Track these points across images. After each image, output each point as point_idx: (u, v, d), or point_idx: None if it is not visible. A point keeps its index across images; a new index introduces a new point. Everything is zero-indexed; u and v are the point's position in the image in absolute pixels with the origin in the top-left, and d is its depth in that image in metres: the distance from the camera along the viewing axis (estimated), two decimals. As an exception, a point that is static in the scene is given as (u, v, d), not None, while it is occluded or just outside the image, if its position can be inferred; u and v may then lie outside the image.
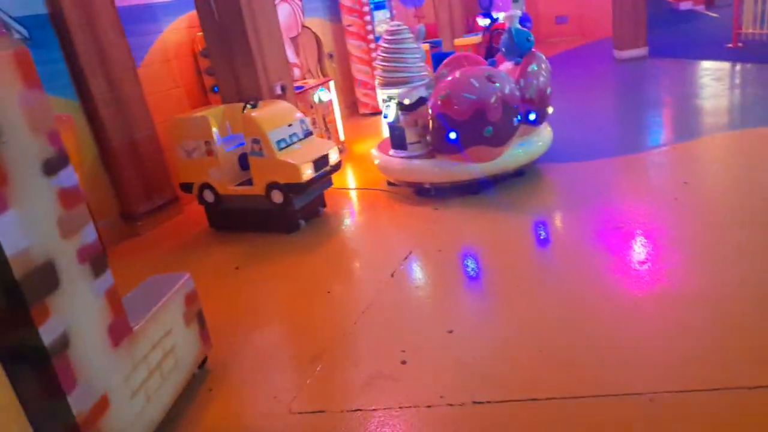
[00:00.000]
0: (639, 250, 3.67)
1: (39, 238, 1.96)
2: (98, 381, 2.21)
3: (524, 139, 5.15)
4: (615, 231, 3.96)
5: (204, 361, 3.16)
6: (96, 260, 2.26)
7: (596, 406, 2.43)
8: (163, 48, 6.10)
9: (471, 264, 3.98)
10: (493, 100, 4.65)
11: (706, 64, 8.86)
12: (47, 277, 1.99)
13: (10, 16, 4.52)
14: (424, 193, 5.28)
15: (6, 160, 1.84)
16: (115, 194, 5.44)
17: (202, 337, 3.07)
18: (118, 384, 2.33)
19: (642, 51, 10.18)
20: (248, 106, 4.75)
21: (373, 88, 9.03)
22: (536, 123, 5.19)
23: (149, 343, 2.58)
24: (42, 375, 2.03)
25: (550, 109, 5.31)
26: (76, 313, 2.12)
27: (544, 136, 5.34)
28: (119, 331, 2.37)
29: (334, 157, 4.96)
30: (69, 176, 2.14)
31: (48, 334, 1.97)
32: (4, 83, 1.91)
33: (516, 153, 5.05)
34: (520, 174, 5.25)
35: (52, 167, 2.05)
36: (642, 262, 3.50)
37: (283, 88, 5.46)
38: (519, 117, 4.95)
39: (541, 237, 4.24)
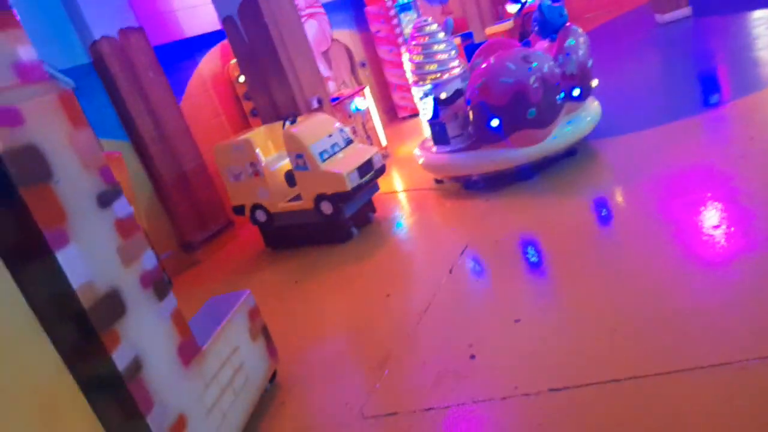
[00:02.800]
0: (709, 214, 3.44)
1: (101, 268, 2.03)
2: (173, 401, 2.26)
3: (571, 116, 4.97)
4: (680, 198, 3.73)
5: (274, 376, 3.18)
6: (158, 285, 2.32)
7: (681, 380, 2.27)
8: (200, 80, 6.30)
9: (530, 251, 3.85)
10: (532, 80, 4.51)
11: (758, 14, 8.31)
12: (113, 304, 2.06)
13: (57, 69, 4.78)
14: (472, 186, 5.18)
15: (62, 197, 1.92)
16: (172, 226, 5.64)
17: (269, 352, 3.10)
18: (192, 403, 2.37)
19: (685, 11, 9.66)
20: (287, 122, 4.81)
21: (409, 91, 9.03)
22: (581, 98, 4.99)
23: (218, 361, 2.62)
24: (120, 399, 2.10)
25: (595, 82, 5.10)
26: (145, 337, 2.18)
27: (591, 111, 5.12)
28: (188, 352, 2.42)
29: (377, 161, 4.95)
30: (123, 207, 2.21)
31: (121, 359, 2.03)
32: (52, 125, 1.99)
33: (564, 132, 4.87)
34: (572, 153, 5.05)
35: (106, 200, 2.12)
36: (715, 227, 3.28)
37: (319, 102, 5.51)
38: (562, 94, 4.78)
39: (602, 215, 4.06)
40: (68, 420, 2.00)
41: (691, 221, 3.43)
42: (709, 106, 5.39)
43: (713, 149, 4.40)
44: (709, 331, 2.48)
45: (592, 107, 5.18)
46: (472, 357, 2.85)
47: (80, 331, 1.99)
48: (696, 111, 5.34)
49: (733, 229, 3.19)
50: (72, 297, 1.90)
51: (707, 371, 2.26)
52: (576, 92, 4.88)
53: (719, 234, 3.18)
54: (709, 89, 6.03)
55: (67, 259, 1.90)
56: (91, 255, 2.00)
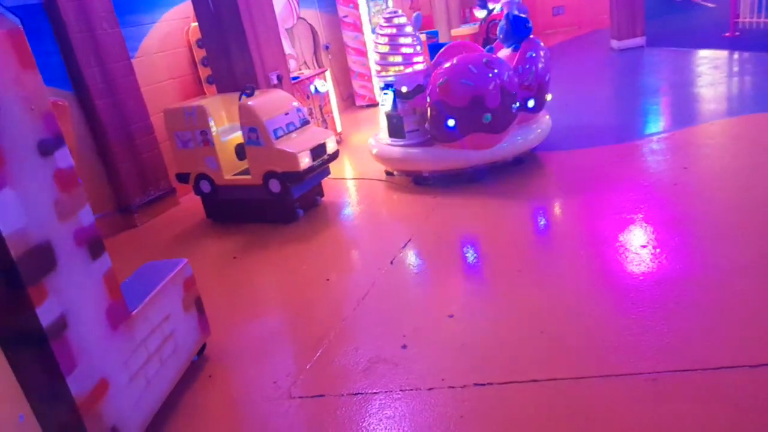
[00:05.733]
0: (639, 234, 3.66)
1: (36, 218, 1.94)
2: (97, 364, 2.19)
3: (523, 126, 5.14)
4: (615, 215, 3.95)
5: (203, 348, 3.14)
6: (93, 243, 2.23)
7: (597, 386, 2.42)
8: (158, 38, 6.05)
9: (470, 251, 3.97)
10: (491, 86, 4.63)
11: (704, 53, 8.84)
12: (44, 257, 1.97)
13: (3, 5, 4.47)
14: (422, 182, 5.26)
15: (1, 139, 1.82)
16: (111, 186, 5.41)
17: (200, 324, 3.05)
18: (117, 367, 2.31)
19: (639, 41, 10.14)
20: (244, 95, 4.72)
21: (370, 80, 9.03)
22: (535, 110, 5.17)
23: (148, 327, 2.56)
24: (41, 357, 2.01)
25: (549, 96, 5.29)
26: (73, 295, 2.10)
27: (542, 123, 5.33)
28: (117, 315, 2.35)
29: (331, 146, 4.93)
30: (65, 158, 2.11)
31: (46, 315, 1.95)
32: (-2, 61, 1.88)
33: (515, 141, 5.04)
34: (520, 162, 5.24)
35: (47, 148, 2.03)
36: (642, 246, 3.49)
37: (279, 78, 5.43)
38: (518, 104, 4.93)
39: (541, 224, 4.23)
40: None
41: (622, 239, 3.63)
42: (650, 134, 5.70)
43: (650, 174, 4.67)
44: (628, 342, 2.65)
45: (544, 120, 5.39)
46: (404, 347, 2.92)
47: (7, 281, 1.90)
48: (638, 136, 5.64)
49: (658, 250, 3.40)
50: (1, 244, 1.81)
51: (622, 379, 2.42)
52: (531, 103, 5.05)
53: (645, 253, 3.39)
54: (652, 117, 6.37)
55: (1, 203, 1.80)
56: (26, 203, 1.90)
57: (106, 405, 2.22)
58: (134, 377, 2.41)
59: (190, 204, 5.76)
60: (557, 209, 4.48)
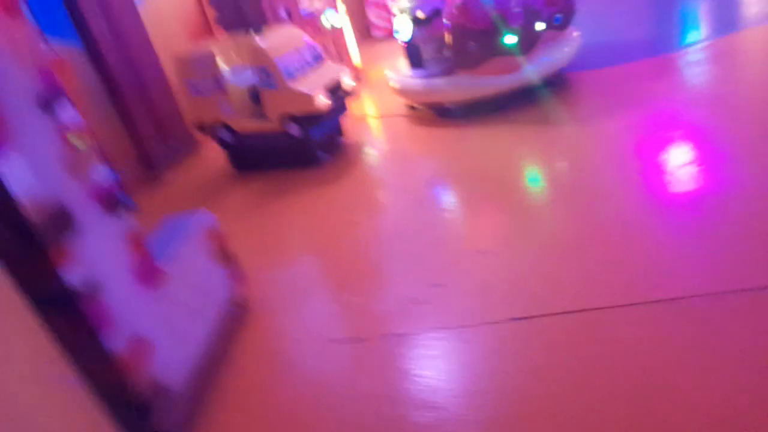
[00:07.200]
0: (679, 152, 3.44)
1: (45, 177, 1.86)
2: (132, 321, 2.18)
3: (550, 45, 4.81)
4: (652, 135, 3.71)
5: (238, 300, 3.13)
6: (110, 200, 2.17)
7: (633, 313, 2.31)
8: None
9: (499, 183, 3.81)
10: (512, 4, 4.30)
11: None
12: (60, 217, 1.91)
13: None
14: (446, 114, 5.04)
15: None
16: (130, 140, 5.35)
17: (231, 274, 3.03)
18: (152, 323, 2.30)
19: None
20: (253, 33, 4.48)
21: (386, 9, 8.59)
22: (562, 27, 4.82)
23: (177, 281, 2.53)
24: (76, 318, 2.00)
25: (576, 11, 4.91)
26: (97, 253, 2.06)
27: (571, 41, 4.97)
28: (145, 271, 2.32)
29: (348, 82, 4.73)
30: (68, 113, 2.02)
31: (72, 275, 1.92)
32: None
33: (541, 62, 4.73)
34: (549, 85, 4.93)
35: (47, 103, 1.92)
36: (682, 165, 3.28)
37: (288, 13, 5.16)
38: (543, 21, 4.59)
39: (574, 149, 4.02)
40: (18, 337, 1.91)
41: (661, 158, 3.42)
42: (688, 44, 5.30)
43: (688, 88, 4.36)
44: (663, 267, 2.52)
45: (572, 37, 5.02)
46: (436, 285, 2.85)
47: (27, 245, 1.85)
48: (675, 48, 5.25)
49: (700, 167, 3.20)
50: (14, 208, 1.75)
51: (648, 306, 2.31)
52: (557, 20, 4.69)
53: (685, 173, 3.19)
54: (689, 26, 5.91)
55: (8, 167, 1.73)
56: (35, 164, 1.83)
57: (147, 361, 2.22)
58: (171, 332, 2.40)
59: (211, 153, 5.68)
60: (590, 132, 4.23)
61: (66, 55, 4.71)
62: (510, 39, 4.38)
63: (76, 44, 4.91)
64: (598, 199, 3.23)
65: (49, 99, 1.90)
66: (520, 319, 2.48)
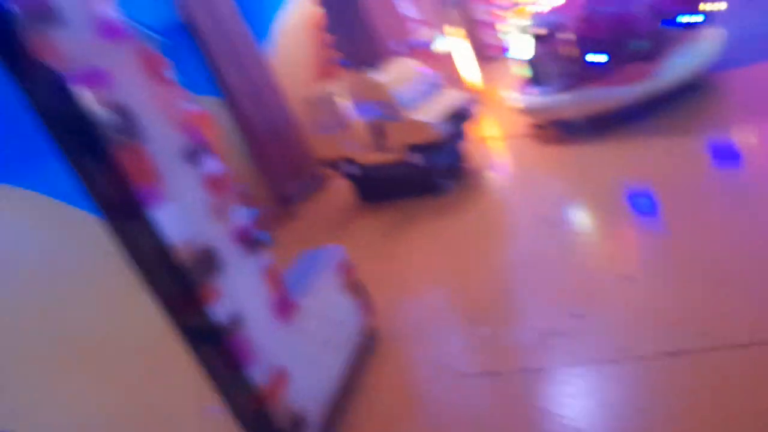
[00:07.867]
0: None
1: (195, 224, 2.03)
2: (272, 353, 2.29)
3: (685, 46, 4.35)
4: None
5: (368, 331, 3.16)
6: (251, 241, 2.31)
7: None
8: (287, 29, 6.23)
9: (642, 202, 3.47)
10: (637, 8, 3.98)
11: None
12: (208, 259, 2.07)
13: (144, 25, 4.89)
14: (573, 130, 4.76)
15: (152, 155, 1.92)
16: (265, 178, 5.73)
17: (363, 307, 3.07)
18: (290, 355, 2.40)
19: None
20: (369, 70, 4.64)
21: (493, 28, 8.50)
22: (698, 25, 4.36)
23: (313, 315, 2.62)
24: (221, 351, 2.15)
25: (723, 5, 4.40)
26: (240, 291, 2.20)
27: (711, 39, 4.46)
28: (283, 306, 2.42)
29: (467, 108, 4.68)
30: (212, 163, 2.19)
31: (221, 312, 2.06)
32: (138, 83, 1.97)
33: (678, 64, 4.29)
34: (689, 89, 4.45)
35: (193, 156, 2.11)
36: None
37: (405, 46, 5.27)
38: (673, 22, 4.19)
39: (724, 161, 3.55)
40: (171, 368, 2.08)
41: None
42: None
43: None
44: None
45: (715, 34, 4.51)
46: (578, 316, 2.64)
47: (180, 285, 2.03)
48: None
49: None
50: (169, 252, 1.93)
51: None
52: (686, 18, 4.25)
53: None
54: None
55: (163, 215, 1.92)
56: (184, 211, 2.00)
57: (286, 393, 2.31)
58: (306, 363, 2.48)
59: (340, 187, 5.89)
60: (741, 142, 3.72)
61: (208, 108, 5.21)
62: (637, 45, 4.06)
63: (217, 96, 5.42)
64: (757, 217, 2.81)
65: (194, 151, 2.08)
66: (672, 353, 2.21)
